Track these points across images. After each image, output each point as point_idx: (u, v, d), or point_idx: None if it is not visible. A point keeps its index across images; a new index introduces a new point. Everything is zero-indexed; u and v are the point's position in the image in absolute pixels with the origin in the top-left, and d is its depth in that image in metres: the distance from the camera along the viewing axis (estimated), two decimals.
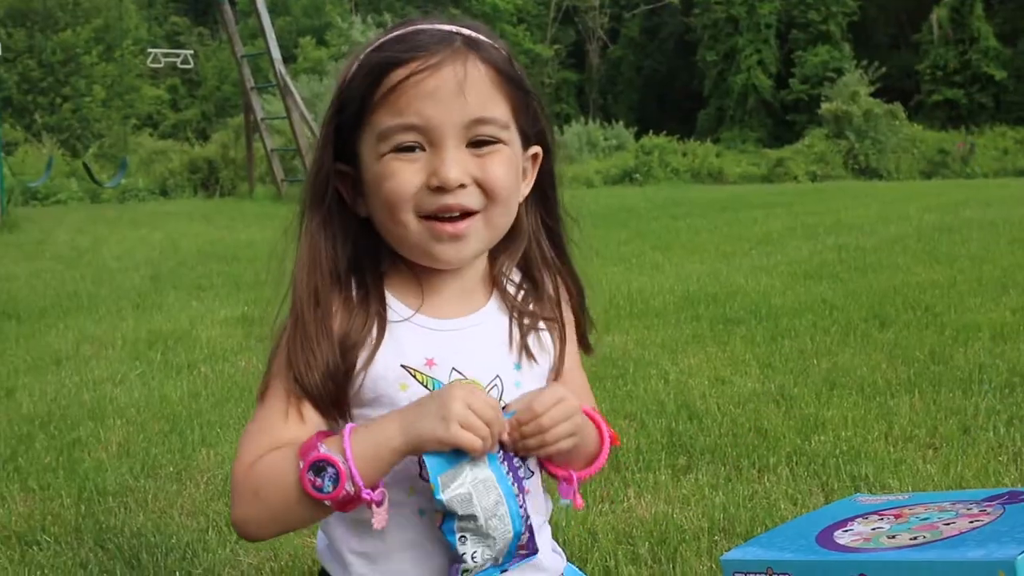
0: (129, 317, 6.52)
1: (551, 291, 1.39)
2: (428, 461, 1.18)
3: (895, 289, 6.49)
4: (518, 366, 1.34)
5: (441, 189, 1.21)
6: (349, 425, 1.21)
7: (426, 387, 1.27)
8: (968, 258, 7.90)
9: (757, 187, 22.23)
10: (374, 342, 1.26)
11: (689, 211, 14.02)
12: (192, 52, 35.61)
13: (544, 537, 1.39)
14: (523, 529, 1.24)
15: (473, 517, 1.19)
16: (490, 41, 1.27)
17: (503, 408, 1.23)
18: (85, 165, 19.32)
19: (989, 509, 1.31)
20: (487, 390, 1.28)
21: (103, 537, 2.89)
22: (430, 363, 1.28)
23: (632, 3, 41.33)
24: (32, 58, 33.07)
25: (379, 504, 1.18)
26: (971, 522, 1.27)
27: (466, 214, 1.24)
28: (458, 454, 1.18)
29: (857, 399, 4.01)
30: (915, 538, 1.26)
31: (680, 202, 16.14)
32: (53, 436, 3.92)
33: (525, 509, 1.25)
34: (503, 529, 1.21)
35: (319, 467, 1.17)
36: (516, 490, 1.23)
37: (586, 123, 30.73)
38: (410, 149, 1.22)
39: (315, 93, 23.76)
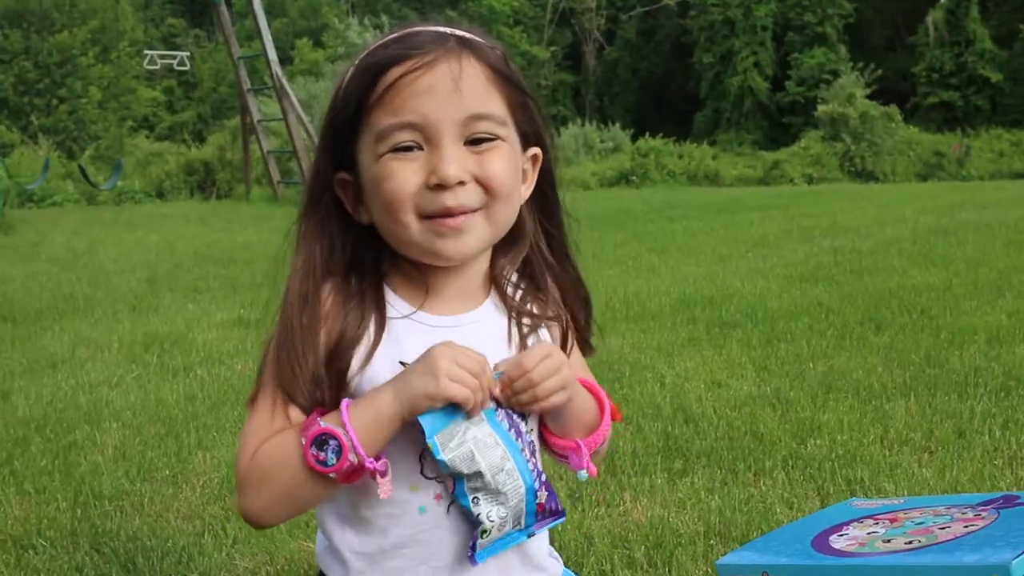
0: (125, 320, 6.52)
1: (554, 294, 1.40)
2: (424, 422, 1.19)
3: (891, 292, 6.50)
4: None
5: (440, 187, 1.21)
6: (346, 400, 1.22)
7: None
8: (964, 261, 7.91)
9: (753, 189, 22.24)
10: (372, 339, 1.27)
11: (685, 213, 14.03)
12: (188, 54, 35.72)
13: (541, 541, 1.39)
14: (536, 485, 1.26)
15: (479, 474, 1.21)
16: (485, 41, 1.28)
17: (493, 369, 1.24)
18: (81, 167, 19.30)
19: (984, 513, 1.32)
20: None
21: (99, 541, 2.89)
22: None
23: (628, 5, 41.39)
24: (28, 59, 33.02)
25: (383, 475, 1.20)
26: (966, 526, 1.28)
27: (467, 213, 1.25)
28: (453, 413, 1.20)
29: (853, 402, 4.02)
30: (910, 542, 1.27)
31: (676, 204, 16.15)
32: (49, 439, 3.91)
33: (536, 466, 1.26)
34: (513, 484, 1.23)
35: (321, 440, 1.18)
36: (521, 445, 1.25)
37: (582, 125, 30.73)
38: (408, 149, 1.22)
39: (311, 95, 23.75)
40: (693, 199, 17.87)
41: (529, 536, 1.30)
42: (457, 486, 1.22)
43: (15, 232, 13.39)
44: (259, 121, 18.55)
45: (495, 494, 1.22)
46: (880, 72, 28.94)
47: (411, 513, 1.27)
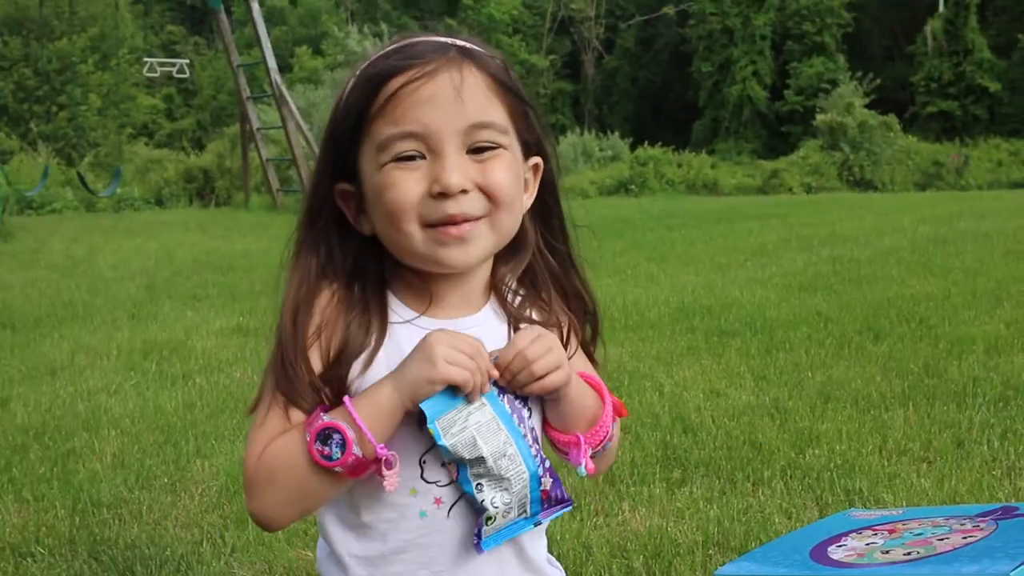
0: (124, 327, 6.52)
1: (558, 301, 1.40)
2: (425, 408, 1.20)
3: (889, 301, 6.50)
4: None
5: (443, 195, 1.21)
6: (347, 397, 1.23)
7: None
8: (962, 270, 7.91)
9: (752, 198, 22.27)
10: (373, 344, 1.28)
11: (684, 222, 14.03)
12: (188, 61, 35.67)
13: (540, 544, 1.40)
14: (540, 471, 1.26)
15: (482, 459, 1.21)
16: (485, 51, 1.28)
17: (489, 354, 1.25)
18: (80, 174, 19.28)
19: (983, 524, 1.32)
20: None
21: (97, 549, 2.89)
22: None
23: (627, 14, 41.44)
24: (28, 67, 33.06)
25: (390, 465, 1.20)
26: (964, 537, 1.28)
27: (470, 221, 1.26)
28: (454, 399, 1.21)
29: (851, 412, 4.02)
30: (909, 553, 1.27)
31: (675, 213, 16.16)
32: (47, 447, 3.91)
33: (540, 452, 1.27)
34: (516, 470, 1.24)
35: (325, 435, 1.19)
36: (524, 431, 1.26)
37: (581, 134, 30.74)
38: (410, 158, 1.22)
39: (311, 103, 23.77)
40: (692, 208, 17.88)
41: (535, 525, 1.29)
42: (460, 473, 1.23)
43: (14, 239, 13.39)
44: (258, 129, 18.56)
45: (498, 480, 1.23)
46: (879, 81, 28.98)
47: (411, 518, 1.28)
